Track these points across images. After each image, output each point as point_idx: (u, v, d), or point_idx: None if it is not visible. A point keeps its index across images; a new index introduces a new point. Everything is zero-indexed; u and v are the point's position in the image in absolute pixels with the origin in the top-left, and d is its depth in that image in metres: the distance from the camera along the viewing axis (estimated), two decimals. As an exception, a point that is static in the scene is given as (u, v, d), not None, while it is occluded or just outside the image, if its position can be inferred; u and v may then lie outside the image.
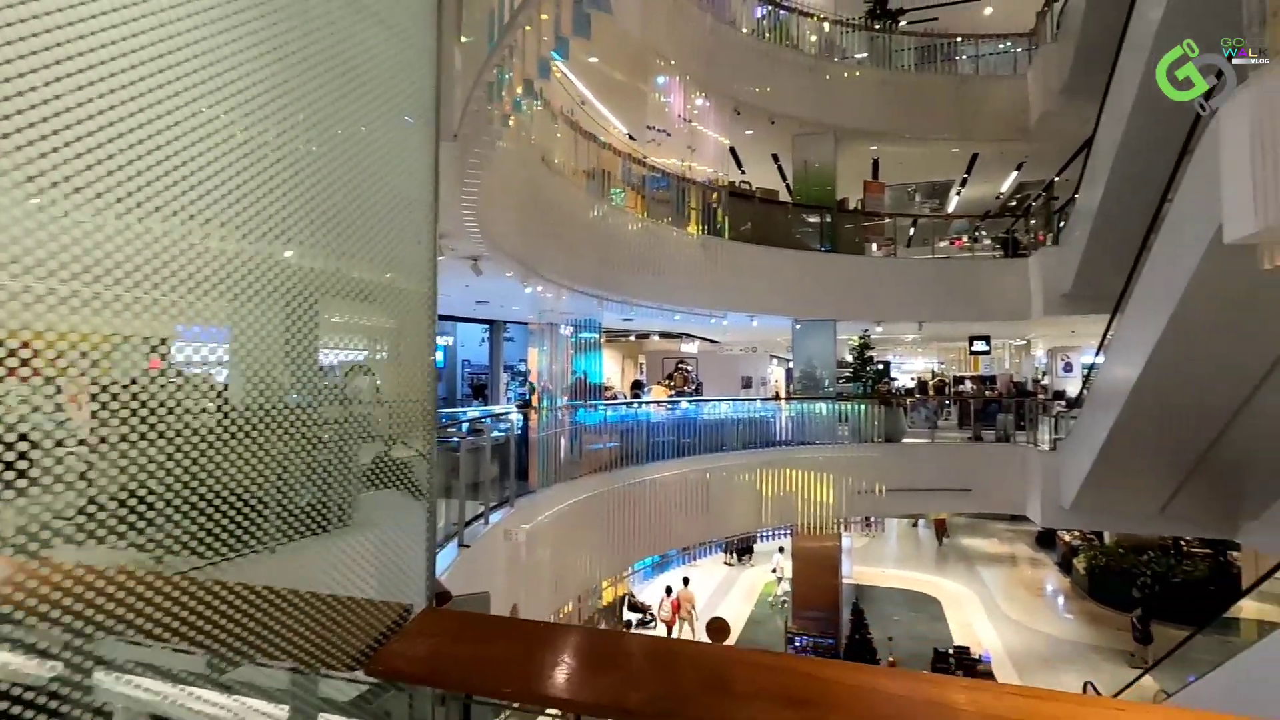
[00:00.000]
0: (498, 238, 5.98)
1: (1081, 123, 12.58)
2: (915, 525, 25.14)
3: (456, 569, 5.19)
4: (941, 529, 23.41)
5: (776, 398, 16.98)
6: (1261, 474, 9.74)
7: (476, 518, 6.61)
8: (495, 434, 8.46)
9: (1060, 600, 18.19)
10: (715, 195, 12.32)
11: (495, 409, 11.11)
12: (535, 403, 8.33)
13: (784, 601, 16.94)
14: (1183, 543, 16.54)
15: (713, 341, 21.02)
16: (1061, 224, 12.93)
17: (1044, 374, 23.00)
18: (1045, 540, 22.26)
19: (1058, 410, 12.63)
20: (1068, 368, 23.34)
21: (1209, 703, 7.65)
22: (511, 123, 6.18)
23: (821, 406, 13.24)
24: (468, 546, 5.63)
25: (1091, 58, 11.25)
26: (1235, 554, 15.25)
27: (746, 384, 22.41)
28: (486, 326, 15.88)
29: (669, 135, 12.64)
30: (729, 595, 18.88)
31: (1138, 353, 8.68)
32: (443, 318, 15.75)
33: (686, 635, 15.25)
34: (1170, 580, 15.70)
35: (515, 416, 8.99)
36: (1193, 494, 10.46)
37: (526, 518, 7.34)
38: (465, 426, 8.28)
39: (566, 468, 8.73)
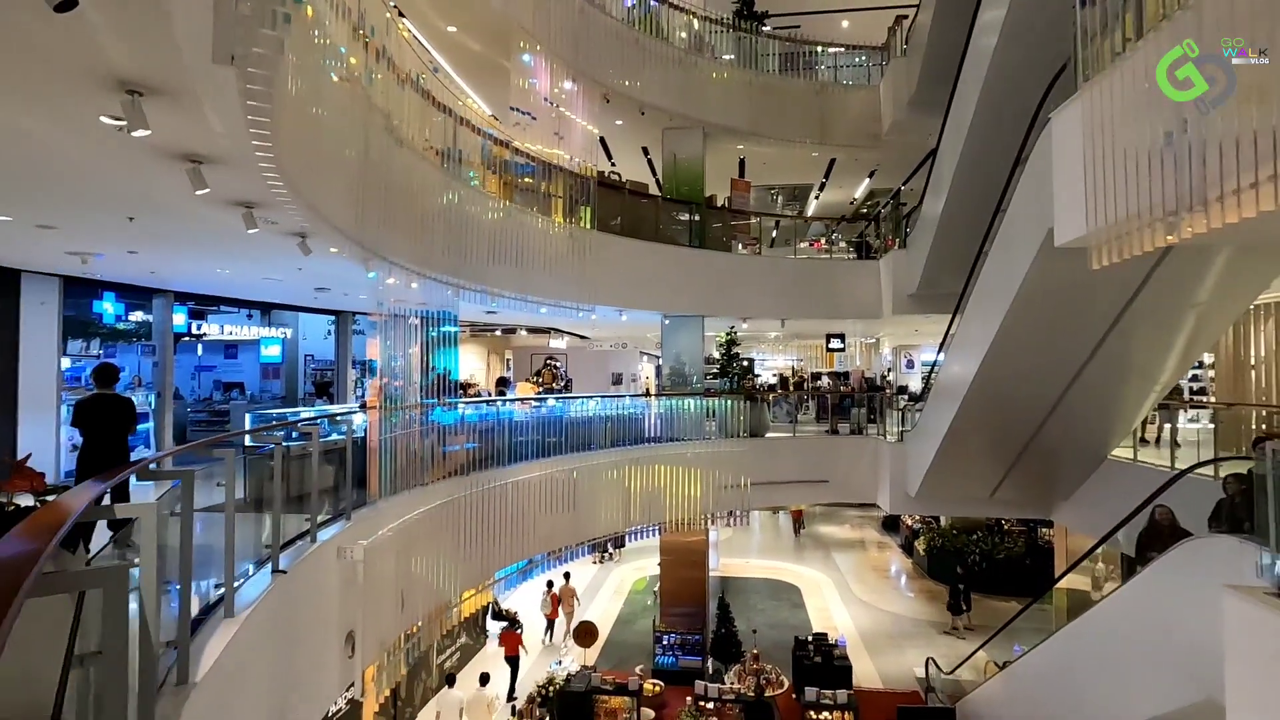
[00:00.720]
0: (326, 210, 5.13)
1: (927, 134, 13.45)
2: (776, 514, 26.20)
3: (266, 602, 4.33)
4: (798, 521, 24.37)
5: (646, 394, 16.86)
6: (1072, 461, 10.83)
7: (301, 536, 5.71)
8: (333, 437, 7.48)
9: (903, 580, 19.60)
10: (587, 184, 11.83)
11: (336, 409, 9.95)
12: (374, 402, 7.42)
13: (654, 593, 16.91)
14: (1004, 523, 18.36)
15: (582, 337, 20.60)
16: (909, 230, 13.76)
17: (889, 370, 24.79)
18: (890, 525, 24.02)
19: (904, 404, 13.44)
20: (910, 364, 25.33)
21: (1037, 671, 8.32)
22: (343, 80, 5.34)
23: (690, 403, 13.21)
24: (283, 572, 4.76)
25: (936, 73, 12.00)
26: (1045, 531, 17.15)
27: (617, 380, 22.18)
28: (332, 318, 14.38)
29: (534, 119, 11.99)
30: (598, 595, 18.57)
31: (975, 351, 9.28)
32: (282, 307, 14.08)
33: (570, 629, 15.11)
34: (995, 557, 17.36)
35: (360, 418, 8.02)
36: (1017, 480, 11.46)
37: (365, 532, 6.48)
38: (293, 431, 7.22)
39: (416, 473, 7.90)
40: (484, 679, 11.47)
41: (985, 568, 17.33)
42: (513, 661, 13.05)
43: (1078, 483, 11.07)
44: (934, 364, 12.86)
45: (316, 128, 4.67)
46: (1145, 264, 7.02)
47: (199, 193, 3.98)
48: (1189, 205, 4.16)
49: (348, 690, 6.65)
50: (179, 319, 11.97)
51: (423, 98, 7.98)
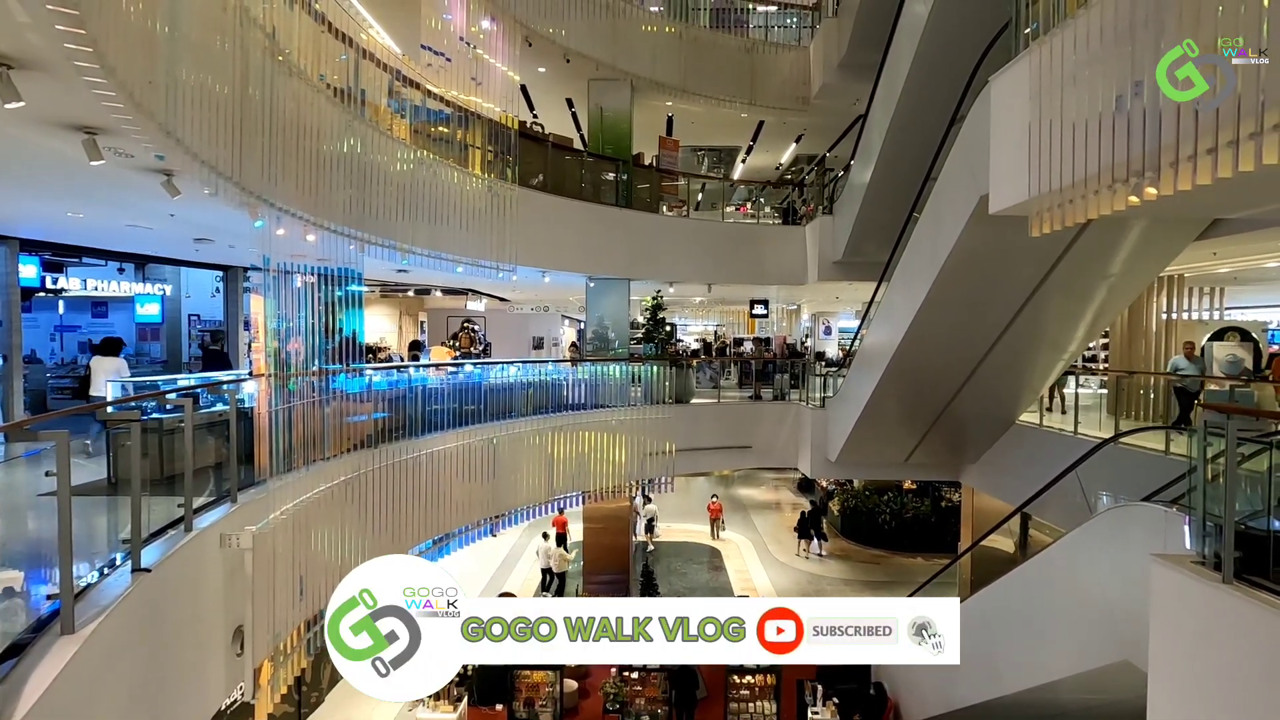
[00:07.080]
0: (191, 141, 4.27)
1: (855, 99, 13.34)
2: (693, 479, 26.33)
3: (123, 608, 3.63)
4: (716, 521, 21.32)
5: (574, 359, 16.34)
6: (980, 428, 11.22)
7: (176, 524, 4.95)
8: (216, 408, 6.61)
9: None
10: (508, 135, 10.96)
11: (221, 376, 8.92)
12: (261, 369, 6.58)
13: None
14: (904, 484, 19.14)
15: (502, 299, 19.72)
16: (834, 196, 13.72)
17: (807, 336, 25.28)
18: (806, 486, 24.74)
19: (825, 371, 13.57)
20: (828, 331, 25.89)
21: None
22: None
23: (615, 368, 12.82)
24: (147, 571, 4.05)
25: (868, 35, 11.80)
26: (946, 490, 18.04)
27: (538, 345, 21.49)
28: (220, 274, 12.95)
29: (449, 60, 10.97)
30: (518, 564, 18.19)
31: (900, 320, 9.29)
32: (158, 260, 12.52)
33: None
34: (903, 516, 18.15)
35: (250, 386, 7.13)
36: (930, 445, 11.81)
37: (254, 515, 5.75)
38: (152, 403, 6.31)
39: (316, 447, 7.13)
40: (560, 539, 16.05)
41: (895, 526, 18.11)
42: (561, 538, 16.50)
43: (985, 446, 11.53)
44: (856, 332, 12.99)
45: (171, 35, 3.82)
46: (1067, 235, 7.10)
47: (9, 106, 3.13)
48: (1141, 171, 4.04)
49: (238, 691, 5.98)
50: (28, 271, 10.36)
51: (317, 22, 6.97)
